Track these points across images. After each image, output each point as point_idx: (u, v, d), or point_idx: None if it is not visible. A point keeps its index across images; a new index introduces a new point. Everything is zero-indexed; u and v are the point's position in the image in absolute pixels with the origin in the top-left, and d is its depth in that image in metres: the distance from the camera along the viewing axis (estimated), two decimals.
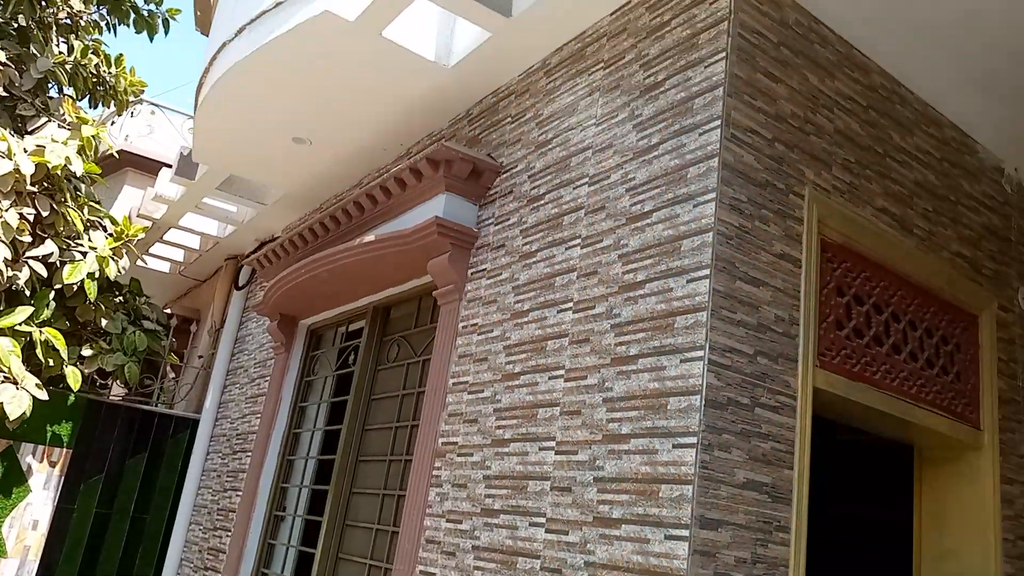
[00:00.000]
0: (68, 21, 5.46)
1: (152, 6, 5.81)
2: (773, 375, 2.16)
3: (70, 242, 4.48)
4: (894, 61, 2.76)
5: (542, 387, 2.52)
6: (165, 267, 7.02)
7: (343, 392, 4.08)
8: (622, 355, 2.23)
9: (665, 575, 1.91)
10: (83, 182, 4.72)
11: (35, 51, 4.92)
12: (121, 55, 5.53)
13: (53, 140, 4.30)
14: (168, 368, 6.20)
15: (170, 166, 5.37)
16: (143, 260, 6.62)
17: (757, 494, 2.05)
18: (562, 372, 2.46)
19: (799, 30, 2.51)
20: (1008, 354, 2.98)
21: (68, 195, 4.44)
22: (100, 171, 4.84)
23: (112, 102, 5.53)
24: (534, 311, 2.69)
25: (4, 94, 4.65)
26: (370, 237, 3.47)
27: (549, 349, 2.55)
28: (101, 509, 5.15)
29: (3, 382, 3.87)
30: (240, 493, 4.60)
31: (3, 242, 3.95)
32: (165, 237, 6.32)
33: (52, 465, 5.03)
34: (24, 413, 3.89)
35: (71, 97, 5.16)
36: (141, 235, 4.91)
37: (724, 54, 2.27)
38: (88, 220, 4.68)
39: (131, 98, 5.64)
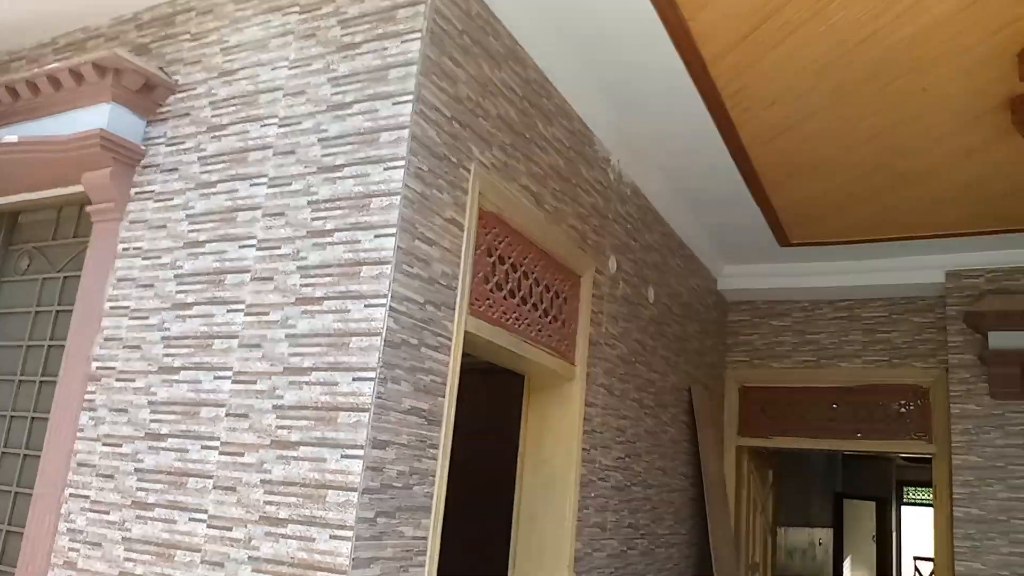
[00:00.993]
0: None
1: None
2: (436, 320, 2.58)
3: None
4: (545, 60, 3.31)
5: (219, 319, 2.63)
6: None
7: None
8: (308, 296, 2.46)
9: (340, 487, 2.23)
10: None
11: None
12: None
13: None
14: None
15: None
16: None
17: (417, 419, 2.47)
18: (242, 306, 2.59)
19: (479, 22, 2.90)
20: (598, 307, 3.82)
21: None
22: None
23: None
24: (212, 243, 2.75)
25: None
26: (11, 137, 3.11)
27: (229, 283, 2.65)
28: None
29: None
30: None
31: None
32: None
33: None
34: None
35: None
36: None
37: (420, 35, 2.55)
38: None
39: None
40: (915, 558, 16.34)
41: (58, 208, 3.48)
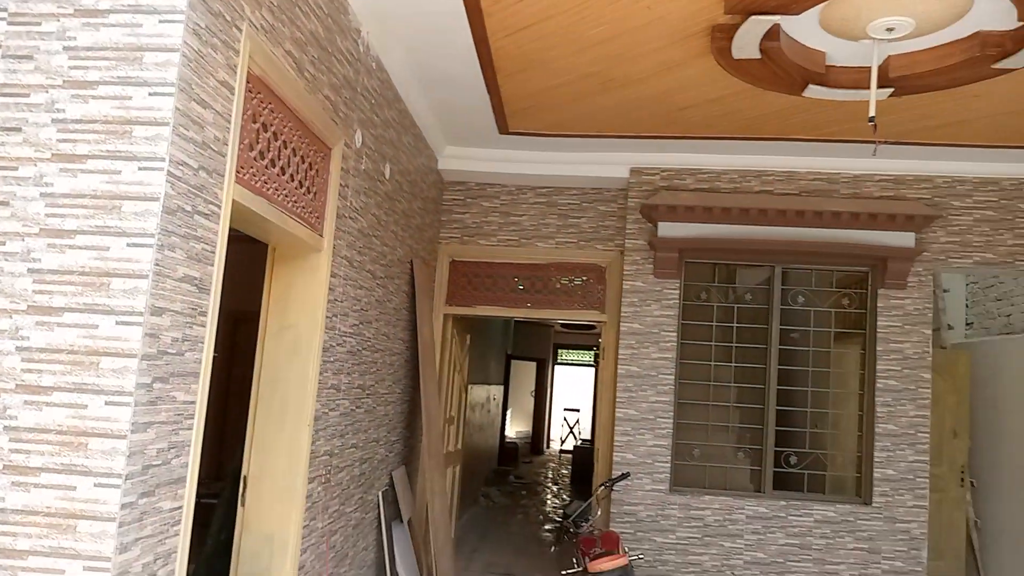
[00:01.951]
0: None
1: None
2: (208, 187, 2.52)
3: None
4: None
5: None
6: None
7: None
8: (70, 153, 2.25)
9: (116, 354, 2.17)
10: None
11: None
12: None
13: None
14: None
15: None
16: None
17: (189, 286, 2.44)
18: None
19: None
20: (345, 180, 3.90)
21: None
22: None
23: None
24: None
25: None
26: None
27: None
28: None
29: None
30: None
31: None
32: None
33: None
34: None
35: None
36: None
37: None
38: None
39: None
40: (565, 409, 19.16)
41: None
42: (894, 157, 5.85)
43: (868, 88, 3.90)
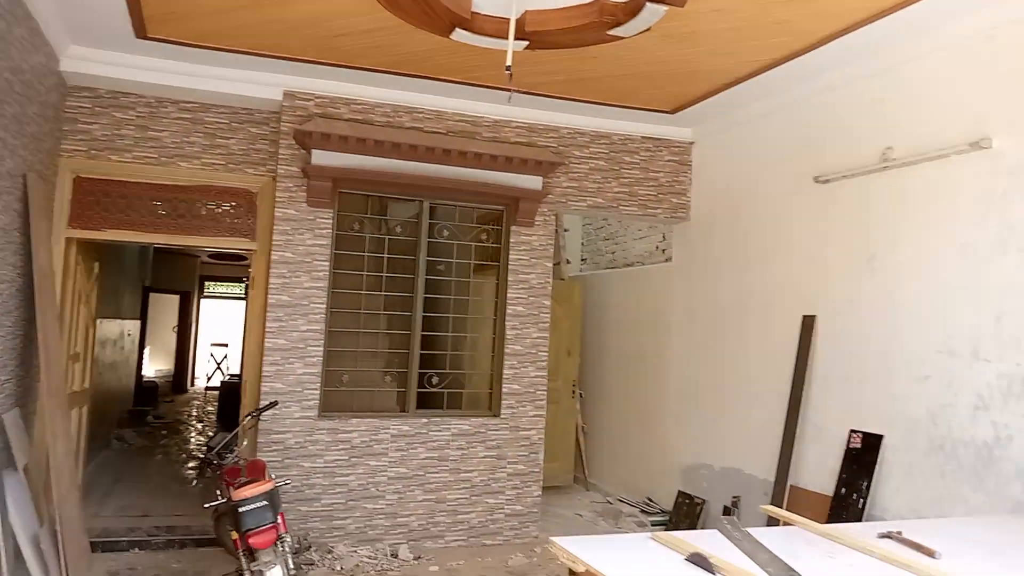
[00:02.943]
0: None
1: None
2: None
3: None
4: None
5: None
6: None
7: None
8: None
9: None
10: None
11: None
12: None
13: None
14: None
15: None
16: None
17: None
18: None
19: None
20: None
21: None
22: None
23: None
24: None
25: None
26: None
27: None
28: None
29: None
30: None
31: None
32: None
33: None
34: None
35: None
36: None
37: None
38: None
39: None
40: (212, 344, 18.19)
41: None
42: (528, 107, 6.50)
43: (507, 38, 4.29)
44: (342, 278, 6.31)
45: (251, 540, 4.22)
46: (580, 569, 2.87)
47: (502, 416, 6.65)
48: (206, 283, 18.77)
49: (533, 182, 6.50)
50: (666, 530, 4.35)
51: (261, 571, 4.22)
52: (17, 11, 4.39)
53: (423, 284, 6.48)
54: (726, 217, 6.73)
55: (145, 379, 14.68)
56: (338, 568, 5.64)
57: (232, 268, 17.29)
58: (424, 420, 6.44)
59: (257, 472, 4.75)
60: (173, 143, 6.12)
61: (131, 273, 11.38)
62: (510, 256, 6.67)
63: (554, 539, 3.10)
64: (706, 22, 4.56)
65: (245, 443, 5.74)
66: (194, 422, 12.70)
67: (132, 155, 6.03)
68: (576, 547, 3.01)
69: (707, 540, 3.15)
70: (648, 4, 4.02)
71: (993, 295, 4.33)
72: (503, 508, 6.62)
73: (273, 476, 5.07)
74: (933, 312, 4.69)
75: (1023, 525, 3.78)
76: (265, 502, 4.33)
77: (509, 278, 6.67)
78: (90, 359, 7.01)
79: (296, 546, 4.76)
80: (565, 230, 9.51)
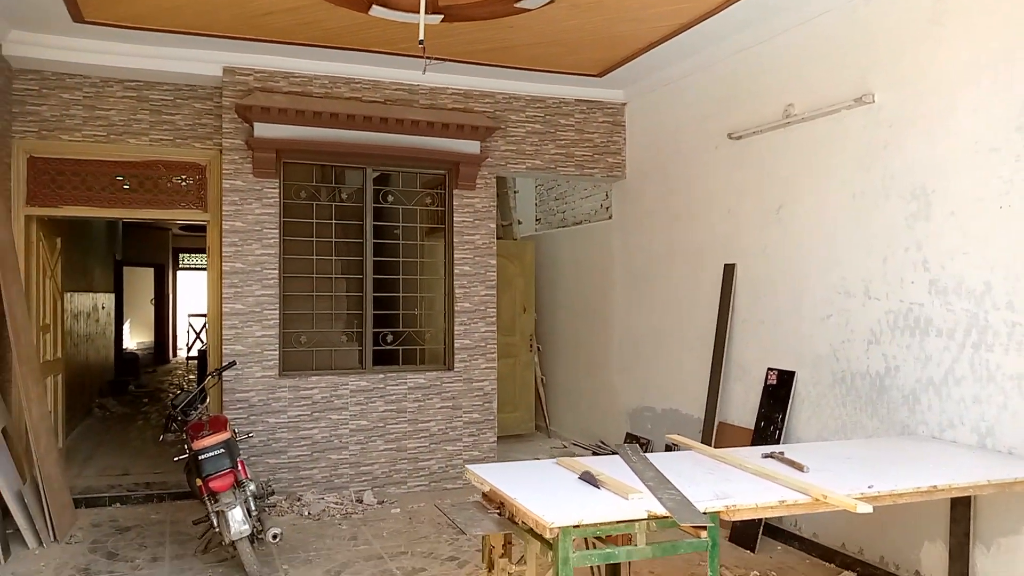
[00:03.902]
0: None
1: None
2: None
3: None
4: None
5: None
6: None
7: None
8: None
9: None
10: None
11: None
12: None
13: None
14: None
15: None
16: None
17: None
18: None
19: None
20: None
21: None
22: None
23: None
24: None
25: None
26: None
27: None
28: None
29: None
30: None
31: None
32: None
33: None
34: None
35: None
36: None
37: None
38: None
39: None
40: (189, 315, 18.47)
41: None
42: (463, 74, 6.76)
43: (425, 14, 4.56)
44: (293, 244, 6.63)
45: (212, 484, 4.59)
46: (486, 489, 3.28)
47: (456, 369, 7.04)
48: (180, 255, 18.99)
49: (471, 146, 6.79)
50: None
51: (222, 511, 4.61)
52: None
53: (371, 248, 6.80)
54: (656, 174, 7.06)
55: (127, 351, 15.01)
56: (306, 513, 6.07)
57: (204, 240, 17.51)
58: (381, 376, 6.81)
59: (219, 426, 5.09)
60: (121, 121, 6.37)
61: (100, 247, 11.63)
62: (454, 218, 6.99)
63: (469, 467, 3.51)
64: None
65: (208, 402, 6.10)
66: (175, 390, 13.06)
67: (82, 134, 6.28)
68: (486, 472, 3.42)
69: (606, 463, 3.56)
70: None
71: (879, 239, 4.70)
72: (461, 455, 7.04)
73: (235, 430, 5.43)
74: (831, 256, 5.07)
75: (901, 444, 4.21)
76: (223, 450, 4.70)
77: (455, 239, 7.00)
78: (61, 330, 7.34)
79: (260, 491, 5.15)
80: (515, 191, 9.81)
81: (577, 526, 2.73)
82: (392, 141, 6.58)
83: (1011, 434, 3.93)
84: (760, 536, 5.28)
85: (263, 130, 6.20)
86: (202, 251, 18.86)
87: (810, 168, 5.24)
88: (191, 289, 19.66)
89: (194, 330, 18.44)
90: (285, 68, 6.42)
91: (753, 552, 5.19)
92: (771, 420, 5.49)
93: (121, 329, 14.37)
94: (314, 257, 6.70)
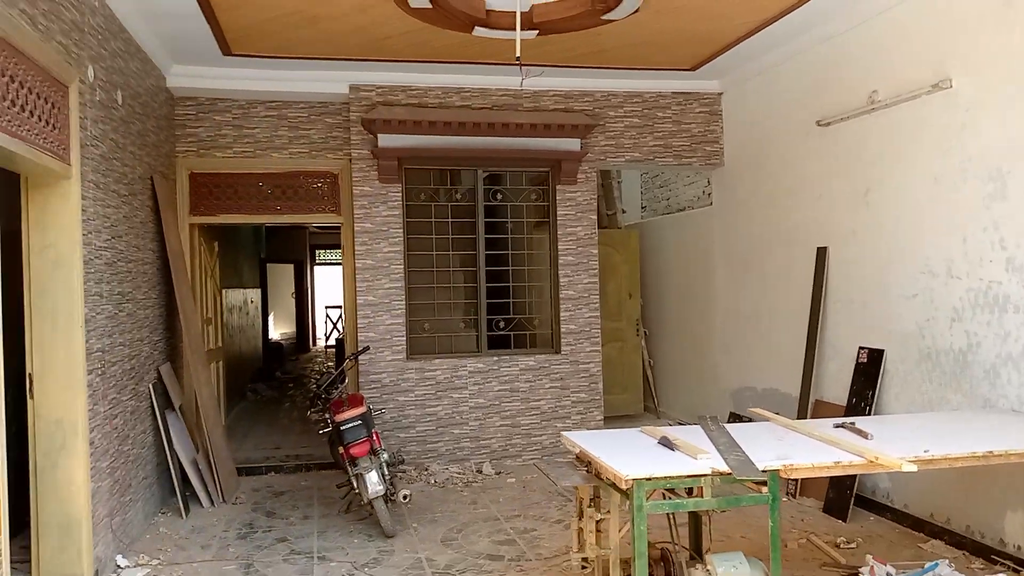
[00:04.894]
0: None
1: None
2: None
3: None
4: None
5: None
6: None
7: None
8: None
9: None
10: None
11: None
12: None
13: None
14: None
15: None
16: None
17: None
18: None
19: None
20: (83, 113, 4.44)
21: None
22: None
23: None
24: None
25: None
26: None
27: None
28: None
29: None
30: None
31: None
32: None
33: None
34: None
35: None
36: None
37: None
38: None
39: None
40: (326, 306, 19.97)
41: None
42: (563, 76, 7.26)
43: (522, 30, 5.10)
44: (415, 242, 7.37)
45: (351, 450, 5.35)
46: (577, 451, 3.83)
47: (563, 352, 7.60)
48: (316, 251, 20.48)
49: (572, 144, 7.30)
50: None
51: (360, 475, 5.36)
52: (131, 48, 5.58)
53: (484, 243, 7.45)
54: (751, 162, 7.32)
55: (272, 341, 16.51)
56: (432, 482, 6.81)
57: (337, 236, 18.83)
58: (495, 359, 7.47)
59: (356, 403, 5.85)
60: (264, 137, 7.30)
61: (248, 248, 12.96)
62: (558, 212, 7.53)
63: (563, 433, 4.08)
64: None
65: (347, 382, 6.95)
66: (317, 375, 14.32)
67: (232, 151, 7.25)
68: (576, 437, 3.96)
69: (686, 432, 4.01)
70: None
71: (959, 220, 4.87)
72: (570, 431, 7.59)
73: (369, 405, 6.21)
74: (915, 237, 5.25)
75: (980, 416, 4.41)
76: (360, 422, 5.45)
77: (558, 232, 7.54)
78: (220, 323, 8.44)
79: (392, 459, 5.88)
80: (619, 181, 10.21)
81: (649, 479, 3.22)
82: (499, 144, 7.18)
83: None
84: (852, 507, 5.54)
85: (386, 140, 6.96)
86: (336, 246, 20.30)
87: (894, 152, 5.42)
88: (327, 282, 21.19)
89: (331, 320, 19.93)
90: (403, 82, 7.15)
91: (844, 522, 5.47)
92: (862, 397, 5.71)
93: (267, 321, 15.83)
94: (433, 253, 7.42)
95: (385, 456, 5.61)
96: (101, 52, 4.82)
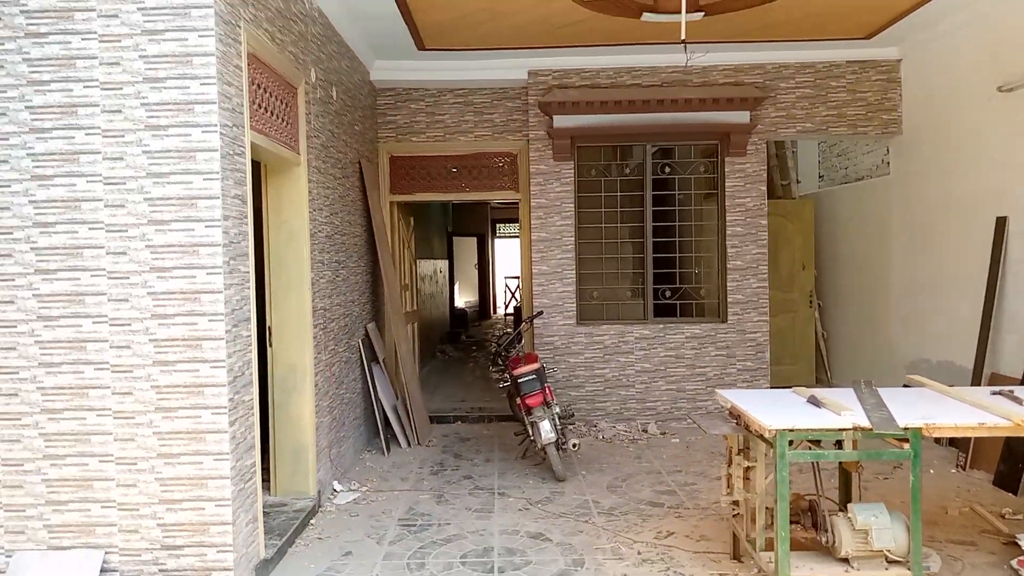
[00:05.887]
0: None
1: None
2: (239, 137, 3.98)
3: None
4: None
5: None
6: None
7: None
8: (156, 124, 3.69)
9: (208, 245, 3.72)
10: None
11: None
12: None
13: None
14: None
15: None
16: None
17: (238, 201, 3.95)
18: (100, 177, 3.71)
19: None
20: (308, 109, 5.33)
21: None
22: None
23: None
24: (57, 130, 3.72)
25: None
26: None
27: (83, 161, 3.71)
28: None
29: None
30: None
31: None
32: None
33: None
34: None
35: None
36: None
37: None
38: None
39: None
40: (505, 277, 21.00)
41: None
42: (733, 51, 7.42)
43: (688, 12, 5.42)
44: (585, 215, 7.88)
45: (527, 401, 6.00)
46: (728, 406, 4.22)
47: (729, 321, 7.83)
48: (497, 225, 21.52)
49: (741, 116, 7.46)
50: None
51: (535, 423, 6.00)
52: (342, 49, 6.47)
53: (651, 215, 7.82)
54: (930, 129, 7.12)
55: (457, 308, 17.75)
56: (600, 437, 7.36)
57: (516, 211, 19.72)
58: (661, 326, 7.85)
59: (531, 360, 6.49)
60: (453, 122, 8.07)
61: (437, 222, 14.06)
62: (726, 183, 7.73)
63: (717, 390, 4.47)
64: None
65: (523, 342, 7.63)
66: (495, 339, 15.31)
67: (425, 136, 8.09)
68: (728, 394, 4.34)
69: (837, 393, 4.26)
70: None
71: None
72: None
73: (543, 364, 6.83)
74: None
75: None
76: (535, 376, 6.08)
77: (727, 203, 7.75)
78: (415, 289, 9.43)
79: (563, 412, 6.47)
80: (793, 151, 10.10)
81: (792, 430, 3.56)
82: (668, 119, 7.50)
83: None
84: None
85: (560, 121, 7.50)
86: (514, 220, 21.25)
87: None
88: (506, 254, 22.24)
89: (509, 290, 20.96)
90: (577, 66, 7.63)
91: (1015, 495, 5.40)
92: None
93: (453, 289, 17.03)
94: (603, 225, 7.90)
95: (557, 409, 6.19)
96: (320, 55, 5.70)
